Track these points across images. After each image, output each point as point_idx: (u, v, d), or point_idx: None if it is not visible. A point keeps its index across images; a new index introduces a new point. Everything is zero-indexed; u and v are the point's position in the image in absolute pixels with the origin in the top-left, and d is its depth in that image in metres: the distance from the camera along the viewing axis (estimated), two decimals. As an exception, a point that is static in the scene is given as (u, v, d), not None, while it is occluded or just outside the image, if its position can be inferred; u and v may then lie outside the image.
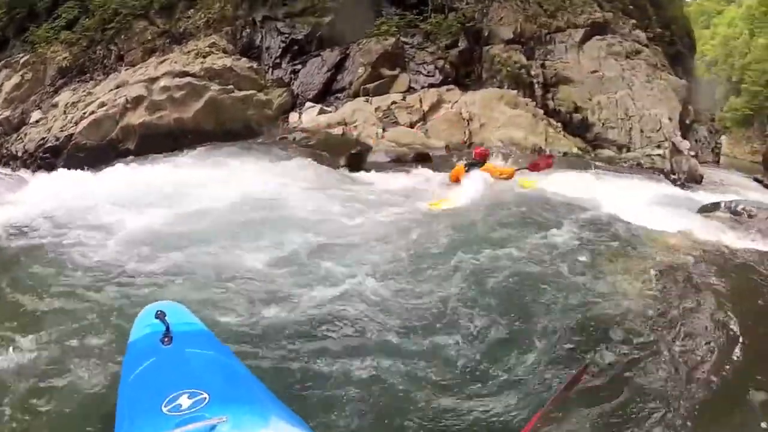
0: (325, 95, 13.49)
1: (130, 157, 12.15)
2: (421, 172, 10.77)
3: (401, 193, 8.85)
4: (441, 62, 14.30)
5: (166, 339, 2.47)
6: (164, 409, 1.95)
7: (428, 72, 14.15)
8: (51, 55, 15.68)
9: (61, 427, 3.08)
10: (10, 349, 3.75)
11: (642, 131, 14.98)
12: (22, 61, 16.31)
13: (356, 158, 11.42)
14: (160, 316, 2.56)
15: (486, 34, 15.94)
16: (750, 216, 7.68)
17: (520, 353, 3.60)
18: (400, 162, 11.64)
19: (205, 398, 1.98)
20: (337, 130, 12.34)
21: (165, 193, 8.10)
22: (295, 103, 13.27)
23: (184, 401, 1.97)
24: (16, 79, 16.23)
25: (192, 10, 15.00)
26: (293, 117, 12.94)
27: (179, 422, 1.86)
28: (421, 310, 4.12)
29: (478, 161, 8.50)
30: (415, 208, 7.66)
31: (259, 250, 5.30)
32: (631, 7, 18.53)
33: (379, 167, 11.06)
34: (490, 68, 15.13)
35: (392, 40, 14.15)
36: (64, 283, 4.88)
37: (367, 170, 10.92)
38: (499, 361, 3.52)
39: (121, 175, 10.69)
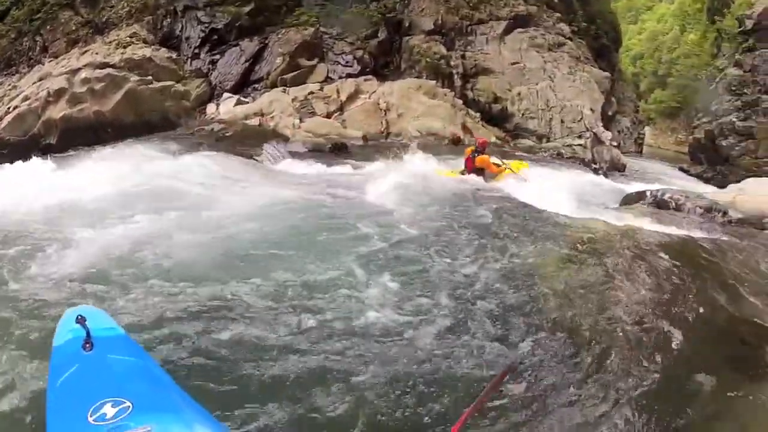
0: (243, 86, 13.66)
1: (52, 153, 11.73)
2: (340, 161, 10.99)
3: (319, 181, 9.02)
4: (360, 52, 14.70)
5: (87, 345, 2.42)
6: (90, 419, 1.94)
7: (346, 62, 14.52)
8: None
9: None
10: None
11: (563, 122, 15.70)
12: None
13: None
14: (81, 321, 2.50)
15: (407, 24, 16.36)
16: (677, 205, 7.83)
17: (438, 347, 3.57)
18: (317, 152, 11.87)
19: (129, 407, 1.97)
20: (254, 121, 12.62)
21: (74, 191, 7.76)
22: (213, 94, 13.45)
23: (109, 410, 1.95)
24: None
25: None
26: (211, 108, 13.16)
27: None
28: (327, 292, 4.18)
29: (480, 150, 9.52)
30: (331, 195, 7.72)
31: (173, 247, 5.17)
32: (556, 1, 18.98)
33: (297, 157, 11.23)
34: (410, 59, 15.60)
35: (311, 30, 14.47)
36: None
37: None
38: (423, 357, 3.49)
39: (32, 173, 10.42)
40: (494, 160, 9.83)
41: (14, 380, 3.30)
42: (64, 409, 2.15)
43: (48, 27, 15.13)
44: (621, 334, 3.92)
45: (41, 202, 7.00)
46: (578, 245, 5.66)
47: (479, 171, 9.52)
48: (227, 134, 12.06)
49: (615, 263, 5.19)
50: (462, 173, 9.62)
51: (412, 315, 3.94)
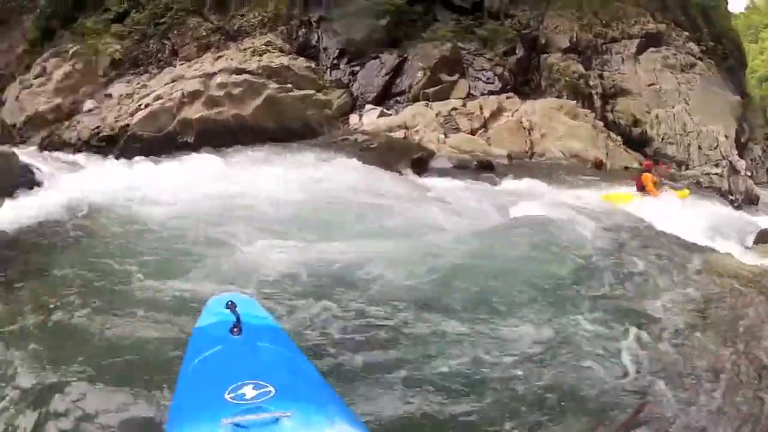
0: (385, 98, 13.39)
1: (189, 150, 12.27)
2: (487, 179, 10.83)
3: (469, 198, 8.92)
4: (500, 69, 14.15)
5: (235, 329, 2.46)
6: (227, 396, 1.95)
7: (487, 79, 14.01)
8: (102, 47, 15.60)
9: (118, 402, 3.12)
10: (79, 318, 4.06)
11: (700, 148, 14.70)
12: (71, 51, 16.22)
13: (419, 163, 11.35)
14: (231, 306, 2.55)
15: (543, 42, 15.82)
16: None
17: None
18: (462, 169, 11.52)
19: (271, 391, 1.95)
20: (399, 134, 12.24)
21: (221, 186, 8.54)
22: (354, 105, 13.20)
23: (249, 391, 1.95)
24: (66, 68, 16.15)
25: (246, 8, 14.91)
26: (354, 119, 12.87)
27: (242, 410, 1.84)
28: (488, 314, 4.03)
29: (646, 169, 10.02)
30: (485, 214, 7.68)
31: (324, 249, 5.30)
32: (682, 18, 18.19)
33: (443, 173, 11.06)
34: (549, 77, 15.00)
35: (449, 45, 14.03)
36: (126, 263, 5.20)
37: (431, 175, 10.92)
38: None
39: (181, 166, 11.16)
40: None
41: (149, 354, 3.51)
42: (199, 385, 2.20)
43: (176, 31, 15.19)
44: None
45: (212, 191, 7.88)
46: (715, 285, 5.12)
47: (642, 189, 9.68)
48: (372, 145, 11.74)
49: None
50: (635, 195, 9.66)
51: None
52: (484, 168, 11.58)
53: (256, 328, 2.55)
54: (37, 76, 16.56)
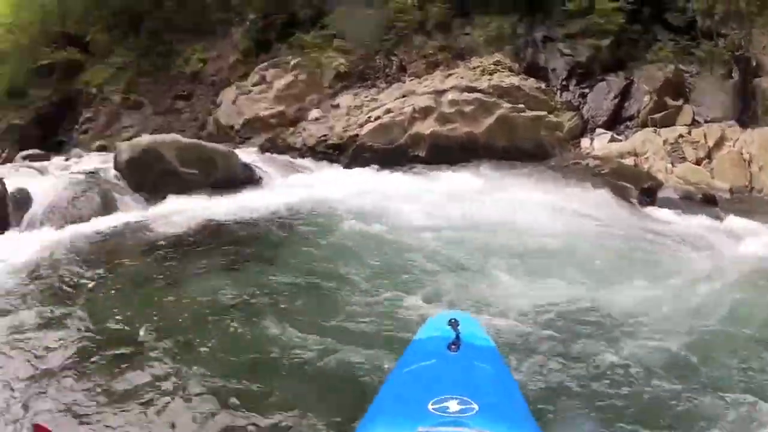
0: (615, 122, 13.48)
1: (419, 164, 13.26)
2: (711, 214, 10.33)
3: (706, 237, 8.53)
4: (722, 95, 14.04)
5: (453, 346, 2.50)
6: (430, 407, 1.98)
7: (709, 104, 13.92)
8: (325, 60, 17.00)
9: (319, 396, 3.59)
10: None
11: None
12: (293, 63, 17.80)
13: (648, 192, 11.52)
14: (453, 324, 2.61)
15: (753, 64, 15.41)
16: None
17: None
18: (687, 200, 11.31)
19: (474, 408, 1.97)
20: (629, 161, 12.44)
21: (459, 203, 8.89)
22: (585, 128, 13.42)
23: (453, 405, 1.98)
24: (287, 78, 17.70)
25: (469, 27, 15.58)
26: (585, 143, 13.13)
27: (440, 422, 1.87)
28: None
29: None
30: (733, 261, 6.78)
31: (572, 290, 5.17)
32: None
33: (670, 204, 10.90)
34: (763, 103, 14.64)
35: (672, 67, 14.05)
36: (349, 267, 5.72)
37: (661, 206, 10.92)
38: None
39: (415, 178, 12.08)
40: None
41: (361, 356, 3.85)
42: (404, 391, 2.27)
43: (402, 48, 16.21)
44: None
45: (451, 208, 8.32)
46: None
47: None
48: (602, 171, 12.02)
49: None
50: None
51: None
52: (707, 202, 11.41)
53: (474, 347, 2.58)
54: (255, 84, 18.33)
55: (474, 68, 14.43)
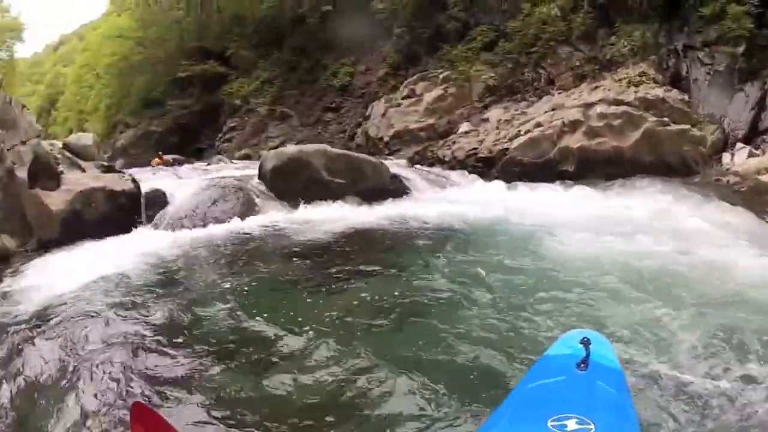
0: (753, 135, 13.16)
1: (568, 179, 13.70)
2: None
3: None
4: None
5: (582, 365, 2.57)
6: (550, 423, 2.06)
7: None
8: (474, 73, 17.97)
9: (435, 396, 3.64)
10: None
11: None
12: (441, 76, 19.01)
13: None
14: (585, 342, 2.67)
15: None
16: None
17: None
18: None
19: (591, 428, 2.04)
20: (765, 178, 11.86)
21: (613, 222, 8.73)
22: (726, 142, 13.30)
23: (571, 424, 2.05)
24: (437, 92, 19.03)
25: (614, 37, 15.79)
26: (726, 158, 12.95)
27: None
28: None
29: None
30: None
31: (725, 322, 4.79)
32: None
33: None
34: None
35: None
36: (492, 277, 5.87)
37: None
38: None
39: (564, 195, 12.38)
40: None
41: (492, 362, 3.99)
42: (527, 406, 2.35)
43: (549, 61, 16.78)
44: None
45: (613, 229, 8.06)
46: None
47: None
48: (742, 189, 11.84)
49: None
50: None
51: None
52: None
53: (601, 367, 2.60)
54: (405, 97, 19.70)
55: (620, 80, 14.80)
